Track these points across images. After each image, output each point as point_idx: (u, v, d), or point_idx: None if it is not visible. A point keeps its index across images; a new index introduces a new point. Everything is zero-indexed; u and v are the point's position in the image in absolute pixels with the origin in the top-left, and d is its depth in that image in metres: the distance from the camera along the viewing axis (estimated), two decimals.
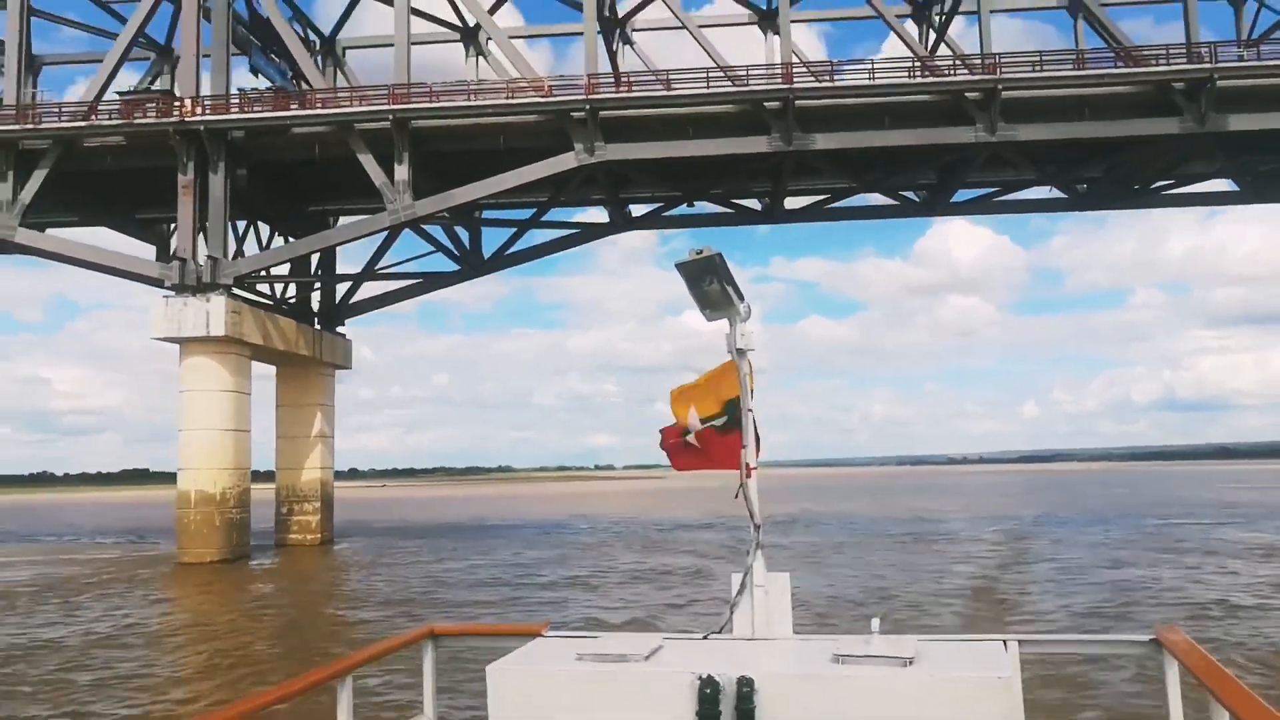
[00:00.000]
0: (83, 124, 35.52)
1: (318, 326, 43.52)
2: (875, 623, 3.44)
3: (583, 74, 36.06)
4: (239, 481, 35.77)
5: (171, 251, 42.60)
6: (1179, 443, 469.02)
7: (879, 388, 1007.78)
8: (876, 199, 43.79)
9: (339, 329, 44.75)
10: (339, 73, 44.55)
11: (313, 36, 44.42)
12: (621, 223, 43.74)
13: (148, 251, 43.82)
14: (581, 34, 38.09)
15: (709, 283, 3.72)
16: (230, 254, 36.61)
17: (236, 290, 36.35)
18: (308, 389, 42.44)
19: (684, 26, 38.17)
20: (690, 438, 4.07)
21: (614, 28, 41.81)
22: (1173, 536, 36.10)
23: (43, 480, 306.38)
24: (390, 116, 34.47)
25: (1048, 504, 64.98)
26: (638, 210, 43.75)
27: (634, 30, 43.42)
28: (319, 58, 43.17)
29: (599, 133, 34.79)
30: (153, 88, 39.15)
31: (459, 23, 43.51)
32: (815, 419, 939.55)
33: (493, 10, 41.05)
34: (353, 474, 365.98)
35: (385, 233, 39.08)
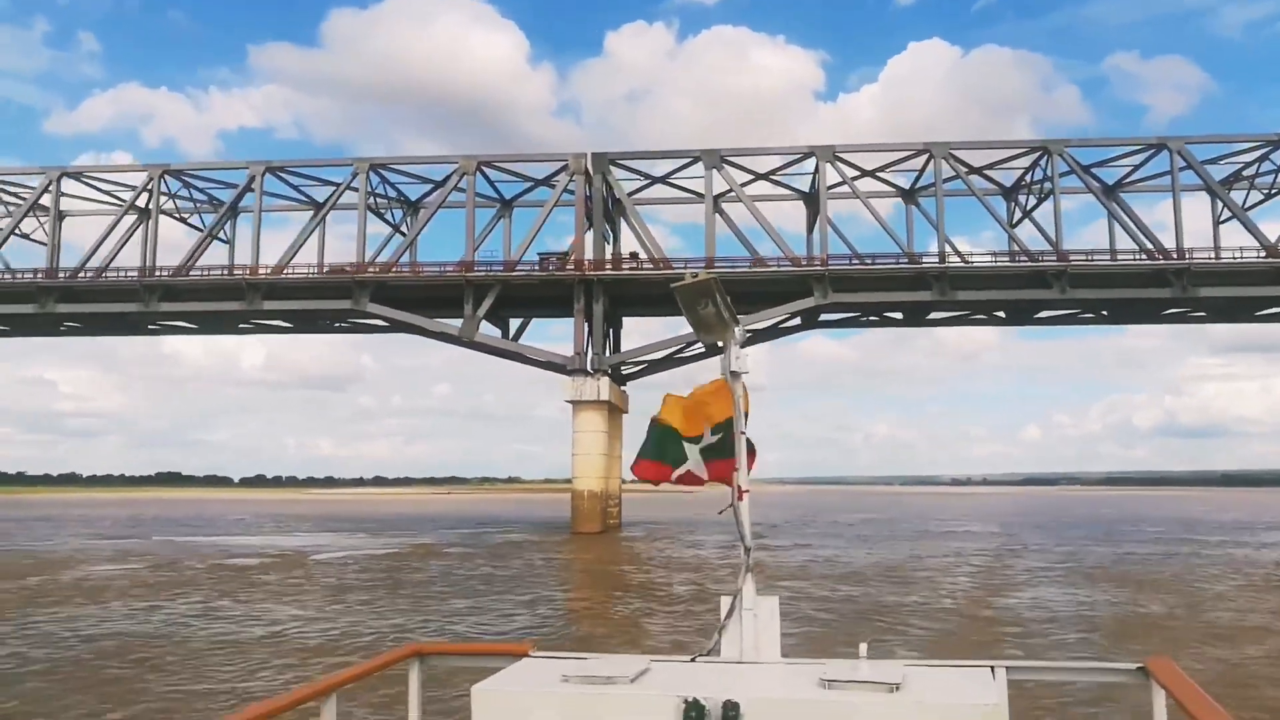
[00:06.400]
0: (516, 273, 59.18)
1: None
2: (863, 647, 3.52)
3: (797, 234, 60.00)
4: (606, 486, 59.47)
5: (512, 333, 66.20)
6: (1182, 469, 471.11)
7: (881, 408, 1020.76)
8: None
9: (623, 387, 68.26)
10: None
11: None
12: (810, 326, 67.63)
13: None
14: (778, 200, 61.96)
15: (704, 306, 3.79)
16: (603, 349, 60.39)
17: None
18: (611, 426, 65.70)
19: (860, 198, 62.05)
20: (682, 468, 4.13)
21: (814, 204, 65.76)
22: (1119, 536, 58.66)
23: (71, 481, 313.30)
24: None
25: (1039, 516, 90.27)
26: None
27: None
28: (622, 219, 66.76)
29: (829, 285, 58.72)
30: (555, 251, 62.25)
31: (703, 191, 67.17)
32: (817, 438, 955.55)
33: (746, 184, 64.51)
34: (377, 481, 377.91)
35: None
